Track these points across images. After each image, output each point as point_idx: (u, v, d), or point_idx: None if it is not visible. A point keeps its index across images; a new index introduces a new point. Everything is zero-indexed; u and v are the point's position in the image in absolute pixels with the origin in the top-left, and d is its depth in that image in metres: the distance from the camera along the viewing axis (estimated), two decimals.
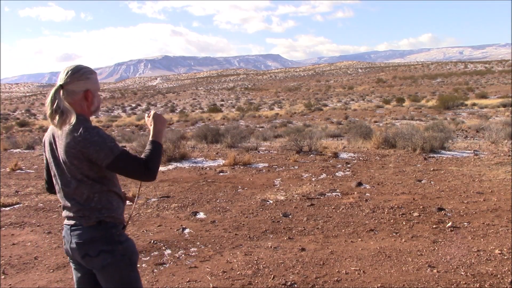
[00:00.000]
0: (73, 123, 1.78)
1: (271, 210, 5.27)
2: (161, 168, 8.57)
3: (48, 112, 1.79)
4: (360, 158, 9.07)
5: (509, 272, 3.23)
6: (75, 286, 2.00)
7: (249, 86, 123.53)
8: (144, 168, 1.77)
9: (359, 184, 6.50)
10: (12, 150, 13.14)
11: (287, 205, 5.52)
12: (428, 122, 23.69)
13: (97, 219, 1.85)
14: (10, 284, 3.35)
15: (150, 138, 1.89)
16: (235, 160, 8.65)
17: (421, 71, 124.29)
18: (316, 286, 3.14)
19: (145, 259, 3.80)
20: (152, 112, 1.98)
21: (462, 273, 3.25)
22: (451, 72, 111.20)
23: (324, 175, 7.41)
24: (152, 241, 4.23)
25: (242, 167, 8.37)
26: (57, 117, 1.78)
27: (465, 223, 4.48)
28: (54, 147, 1.88)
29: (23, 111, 70.89)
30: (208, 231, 4.54)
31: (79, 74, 1.85)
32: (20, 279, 3.44)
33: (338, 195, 5.96)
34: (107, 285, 1.88)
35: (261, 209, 5.33)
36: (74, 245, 1.86)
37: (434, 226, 4.43)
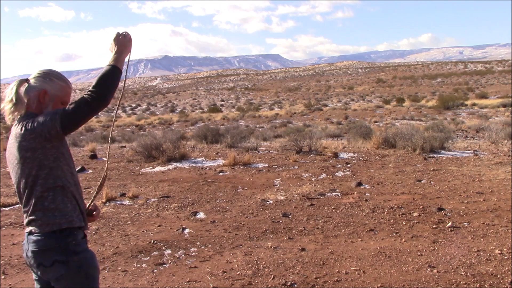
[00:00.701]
0: (20, 117, 1.75)
1: (271, 210, 5.27)
2: (161, 168, 8.57)
3: (9, 105, 1.75)
4: (360, 158, 9.07)
5: (509, 272, 3.23)
6: None
7: (249, 86, 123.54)
8: (91, 99, 1.64)
9: (359, 184, 6.51)
10: None
11: (287, 205, 5.52)
12: (428, 122, 23.70)
13: (51, 224, 1.71)
14: (10, 284, 3.35)
15: (112, 62, 1.76)
16: (235, 160, 8.65)
17: (421, 71, 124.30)
18: (316, 286, 3.14)
19: (145, 259, 3.80)
20: (114, 35, 1.85)
21: (462, 273, 3.25)
22: (451, 72, 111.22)
23: (324, 175, 7.41)
24: (152, 241, 4.23)
25: (242, 167, 8.37)
26: (16, 110, 1.75)
27: (465, 223, 4.48)
28: (9, 154, 1.81)
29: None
30: (208, 231, 4.54)
31: (45, 74, 1.82)
32: (20, 279, 3.44)
33: (338, 195, 5.96)
34: None
35: (261, 209, 5.33)
36: (30, 253, 1.73)
37: (434, 226, 4.43)
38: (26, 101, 1.77)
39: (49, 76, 1.82)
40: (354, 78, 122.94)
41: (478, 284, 3.06)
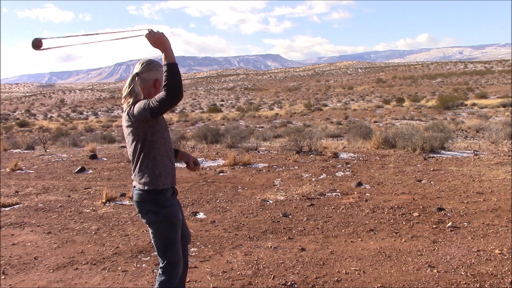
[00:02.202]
0: (130, 103, 2.26)
1: (271, 210, 5.27)
2: None
3: (125, 93, 2.29)
4: (360, 158, 9.07)
5: (509, 272, 3.23)
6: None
7: (249, 86, 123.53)
8: (168, 97, 2.08)
9: (359, 184, 6.51)
10: (12, 150, 13.14)
11: (287, 205, 5.52)
12: (428, 122, 23.71)
13: (144, 185, 2.27)
14: (10, 284, 3.35)
15: (166, 62, 2.14)
16: (235, 160, 8.65)
17: (421, 71, 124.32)
18: (316, 286, 3.14)
19: (145, 259, 3.80)
20: (155, 32, 2.19)
21: (462, 273, 3.25)
22: (451, 72, 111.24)
23: (324, 175, 7.41)
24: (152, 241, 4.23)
25: (242, 167, 8.37)
26: (131, 99, 2.26)
27: (465, 223, 4.48)
28: (123, 128, 2.33)
29: (23, 111, 70.88)
30: (208, 231, 4.54)
31: (152, 65, 2.33)
32: (20, 279, 3.44)
33: (338, 195, 5.96)
34: (152, 238, 2.36)
35: (261, 209, 5.33)
36: (134, 202, 2.35)
37: (434, 226, 4.43)
38: (141, 90, 2.28)
39: (155, 66, 2.33)
40: (354, 78, 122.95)
41: (478, 284, 3.06)
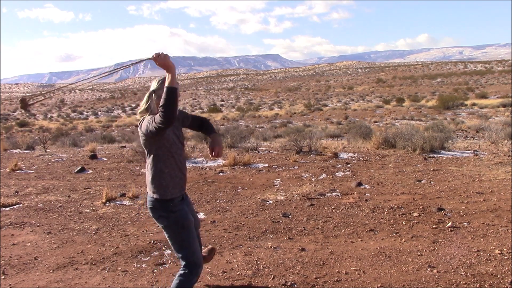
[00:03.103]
0: (143, 118, 2.51)
1: (271, 210, 5.27)
2: None
3: (142, 109, 2.54)
4: (360, 158, 9.07)
5: (509, 272, 3.23)
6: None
7: (249, 86, 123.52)
8: (161, 119, 2.27)
9: (359, 184, 6.50)
10: (12, 150, 13.14)
11: (287, 205, 5.51)
12: (428, 122, 23.70)
13: (152, 193, 2.51)
14: (10, 284, 3.35)
15: (167, 85, 2.30)
16: (235, 160, 8.65)
17: (421, 71, 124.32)
18: (316, 286, 3.14)
19: (145, 259, 3.80)
20: (162, 54, 2.35)
21: (462, 273, 3.25)
22: (451, 72, 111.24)
23: (324, 175, 7.41)
24: (152, 241, 4.23)
25: (242, 167, 8.37)
26: (146, 114, 2.52)
27: (465, 223, 4.48)
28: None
29: (23, 111, 70.86)
30: (208, 231, 4.54)
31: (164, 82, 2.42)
32: (20, 279, 3.44)
33: (338, 195, 5.96)
34: (169, 242, 2.59)
35: (261, 209, 5.33)
36: (148, 208, 2.59)
37: (434, 226, 4.43)
38: (157, 105, 2.47)
39: None
40: (354, 78, 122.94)
41: (478, 284, 3.06)
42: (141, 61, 2.59)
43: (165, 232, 2.57)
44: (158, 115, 2.29)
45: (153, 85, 2.52)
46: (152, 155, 2.49)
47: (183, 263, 2.55)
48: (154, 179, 2.49)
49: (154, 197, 2.50)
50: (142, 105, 2.53)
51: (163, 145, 2.47)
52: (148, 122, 2.39)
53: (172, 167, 2.52)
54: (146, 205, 2.64)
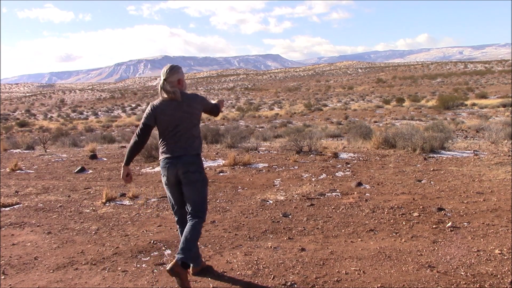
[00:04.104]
0: (184, 94, 3.17)
1: (271, 210, 5.27)
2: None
3: (162, 93, 3.15)
4: (360, 158, 9.07)
5: (509, 272, 3.23)
6: (172, 201, 3.31)
7: (249, 86, 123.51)
8: (219, 110, 3.48)
9: (359, 184, 6.50)
10: (12, 150, 13.15)
11: (287, 205, 5.51)
12: (428, 122, 23.71)
13: (196, 152, 3.19)
14: (10, 285, 3.35)
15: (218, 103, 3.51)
16: (235, 160, 8.65)
17: (421, 71, 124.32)
18: (316, 286, 3.14)
19: (145, 259, 3.80)
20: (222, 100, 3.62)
21: (462, 273, 3.25)
22: (451, 72, 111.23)
23: (324, 175, 7.41)
24: (152, 241, 4.23)
25: (242, 167, 8.37)
26: (169, 95, 3.11)
27: (465, 223, 4.48)
28: (170, 111, 3.12)
29: (23, 111, 70.88)
30: (208, 231, 4.54)
31: (173, 70, 3.17)
32: (20, 279, 3.44)
33: (338, 195, 5.96)
34: (192, 193, 3.15)
35: (261, 209, 5.33)
36: (181, 165, 3.12)
37: (434, 226, 4.43)
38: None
39: (176, 70, 3.20)
40: (354, 78, 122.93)
41: (478, 284, 3.06)
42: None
43: (197, 188, 3.15)
44: (215, 109, 3.40)
45: (163, 75, 3.14)
46: (199, 123, 3.25)
47: (200, 212, 3.17)
48: (199, 140, 3.25)
49: (198, 152, 3.20)
50: (160, 90, 3.14)
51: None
52: (203, 101, 3.25)
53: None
54: (177, 165, 3.12)
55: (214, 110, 3.39)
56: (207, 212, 3.25)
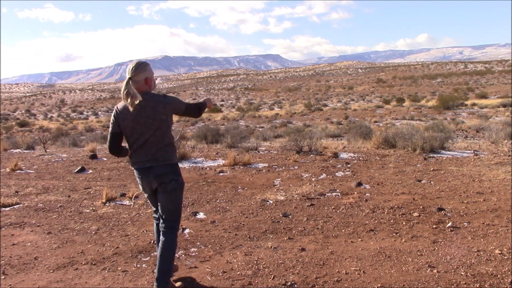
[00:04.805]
0: (148, 97, 2.80)
1: (271, 210, 5.27)
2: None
3: (123, 96, 2.76)
4: (360, 158, 9.07)
5: (509, 272, 3.22)
6: (151, 203, 3.15)
7: (249, 86, 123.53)
8: (200, 110, 3.09)
9: (359, 184, 6.50)
10: (12, 150, 13.15)
11: (287, 205, 5.51)
12: (428, 122, 23.70)
13: (169, 162, 2.87)
14: (10, 285, 3.34)
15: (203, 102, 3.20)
16: (235, 160, 8.65)
17: (421, 71, 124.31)
18: (316, 286, 3.14)
19: (145, 259, 3.80)
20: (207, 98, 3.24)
21: (462, 273, 3.25)
22: (451, 72, 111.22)
23: (324, 175, 7.41)
24: (152, 241, 4.23)
25: (242, 167, 8.37)
26: (128, 99, 2.72)
27: (465, 223, 4.48)
28: (134, 117, 2.79)
29: (23, 111, 70.89)
30: (208, 231, 4.54)
31: (140, 68, 2.81)
32: (20, 279, 3.44)
33: (338, 195, 5.96)
34: (167, 202, 2.94)
35: (261, 209, 5.33)
36: (152, 178, 2.88)
37: (434, 226, 4.43)
38: (137, 89, 2.81)
39: (142, 68, 2.84)
40: (354, 78, 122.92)
41: (478, 284, 3.06)
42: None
43: (173, 197, 2.93)
44: (193, 109, 3.02)
45: (128, 73, 2.79)
46: (169, 129, 2.89)
47: (175, 222, 3.00)
48: (171, 147, 2.92)
49: (172, 163, 2.89)
50: (123, 92, 2.75)
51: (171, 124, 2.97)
52: (172, 103, 2.86)
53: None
54: (148, 177, 2.89)
55: (192, 110, 3.00)
56: (180, 220, 3.09)
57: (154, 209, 3.18)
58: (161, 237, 2.97)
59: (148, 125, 2.78)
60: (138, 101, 2.74)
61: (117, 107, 2.88)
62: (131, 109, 2.74)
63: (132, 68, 2.79)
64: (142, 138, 2.82)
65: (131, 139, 2.86)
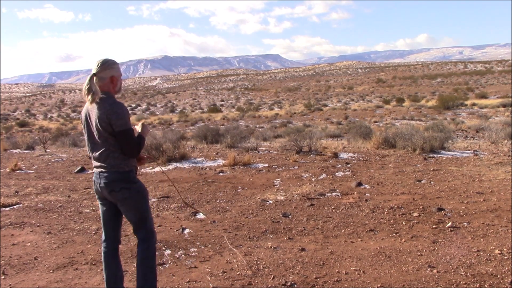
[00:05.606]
0: (101, 98, 2.56)
1: (271, 210, 5.27)
2: (161, 168, 8.57)
3: (84, 92, 2.57)
4: (360, 158, 9.07)
5: (509, 272, 3.23)
6: (101, 218, 2.79)
7: (249, 86, 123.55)
8: (136, 149, 2.59)
9: (359, 184, 6.50)
10: (12, 150, 13.15)
11: (287, 205, 5.51)
12: (428, 122, 23.70)
13: (116, 169, 2.59)
14: (10, 285, 3.35)
15: (140, 134, 2.73)
16: (235, 160, 8.65)
17: (421, 71, 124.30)
18: (316, 286, 3.14)
19: None
20: (140, 124, 2.82)
21: (462, 273, 3.25)
22: (451, 72, 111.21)
23: (324, 175, 7.41)
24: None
25: (242, 167, 8.37)
26: (89, 96, 2.55)
27: (465, 223, 4.48)
28: (89, 118, 2.62)
29: (23, 111, 70.88)
30: (208, 231, 4.54)
31: (106, 65, 2.60)
32: (20, 279, 3.44)
33: (338, 195, 5.96)
34: (127, 213, 2.67)
35: (261, 209, 5.33)
36: (103, 185, 2.62)
37: (434, 226, 4.43)
38: (101, 87, 2.60)
39: (109, 65, 2.63)
40: (354, 78, 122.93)
41: (478, 284, 3.06)
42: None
43: (129, 206, 2.65)
44: (133, 146, 2.58)
45: (94, 69, 2.61)
46: (112, 139, 2.58)
47: (143, 233, 2.71)
48: (118, 154, 2.61)
49: (119, 170, 2.61)
50: (85, 88, 2.57)
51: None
52: (116, 121, 2.52)
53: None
54: (99, 184, 2.64)
55: (122, 141, 2.56)
56: (153, 229, 2.77)
57: (103, 228, 2.81)
58: (139, 257, 2.73)
59: (99, 128, 2.55)
60: (97, 100, 2.56)
61: (82, 111, 2.74)
62: (89, 106, 2.60)
63: (99, 64, 2.60)
64: (94, 140, 2.64)
65: (87, 137, 2.70)
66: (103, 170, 2.62)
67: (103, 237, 2.79)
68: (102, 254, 2.78)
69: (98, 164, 2.64)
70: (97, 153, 2.62)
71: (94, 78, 2.57)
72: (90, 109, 2.60)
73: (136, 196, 2.64)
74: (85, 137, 2.72)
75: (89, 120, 2.62)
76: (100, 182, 2.63)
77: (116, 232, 2.79)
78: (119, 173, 2.60)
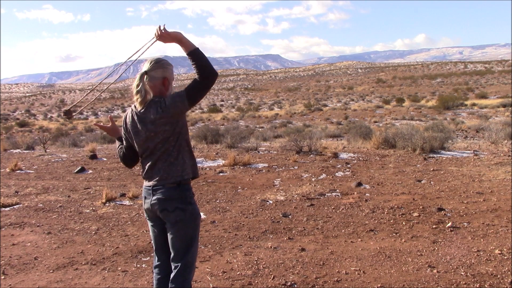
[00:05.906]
0: (153, 101, 2.20)
1: (271, 210, 5.27)
2: None
3: (134, 91, 2.23)
4: (360, 158, 9.07)
5: (509, 272, 3.23)
6: (153, 242, 2.40)
7: (249, 86, 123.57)
8: (204, 80, 2.14)
9: (359, 184, 6.50)
10: (12, 150, 13.14)
11: (287, 205, 5.51)
12: (428, 122, 23.69)
13: (175, 180, 2.22)
14: (10, 285, 3.35)
15: (187, 51, 2.19)
16: (235, 160, 8.65)
17: (421, 71, 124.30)
18: (316, 286, 3.14)
19: (145, 259, 3.80)
20: (162, 27, 2.21)
21: (462, 273, 3.25)
22: (451, 72, 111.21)
23: (324, 175, 7.41)
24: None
25: (242, 167, 8.37)
26: (139, 96, 2.21)
27: (465, 223, 4.48)
28: (139, 123, 2.23)
29: (23, 112, 70.89)
30: (208, 231, 4.54)
31: (160, 64, 2.25)
32: (20, 279, 3.44)
33: (338, 195, 5.96)
34: (173, 237, 2.26)
35: (261, 209, 5.33)
36: (155, 201, 2.24)
37: (434, 226, 4.43)
38: (151, 88, 2.23)
39: (163, 64, 2.27)
40: (354, 78, 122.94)
41: (478, 284, 3.06)
42: (150, 44, 2.29)
43: (179, 230, 2.24)
44: (195, 82, 2.14)
45: (145, 66, 2.25)
46: (178, 137, 2.22)
47: (181, 265, 2.25)
48: (181, 161, 2.24)
49: (179, 180, 2.22)
50: (134, 88, 2.23)
51: (185, 123, 2.29)
52: (178, 97, 2.15)
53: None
54: (151, 200, 2.26)
55: (195, 84, 2.15)
56: (194, 263, 2.32)
57: (155, 253, 2.43)
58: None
59: (151, 137, 2.21)
60: (148, 102, 2.21)
61: (126, 112, 2.36)
62: (138, 108, 2.23)
63: (151, 62, 2.25)
64: (148, 151, 2.27)
65: (138, 149, 2.31)
66: (157, 184, 2.24)
67: (155, 262, 2.41)
68: (154, 281, 2.40)
69: (153, 176, 2.26)
70: (156, 164, 2.25)
71: (145, 76, 2.22)
72: (140, 113, 2.22)
73: (189, 220, 2.24)
74: (135, 146, 2.31)
75: (135, 125, 2.24)
76: (152, 198, 2.25)
77: (164, 254, 2.38)
78: (176, 190, 2.22)
